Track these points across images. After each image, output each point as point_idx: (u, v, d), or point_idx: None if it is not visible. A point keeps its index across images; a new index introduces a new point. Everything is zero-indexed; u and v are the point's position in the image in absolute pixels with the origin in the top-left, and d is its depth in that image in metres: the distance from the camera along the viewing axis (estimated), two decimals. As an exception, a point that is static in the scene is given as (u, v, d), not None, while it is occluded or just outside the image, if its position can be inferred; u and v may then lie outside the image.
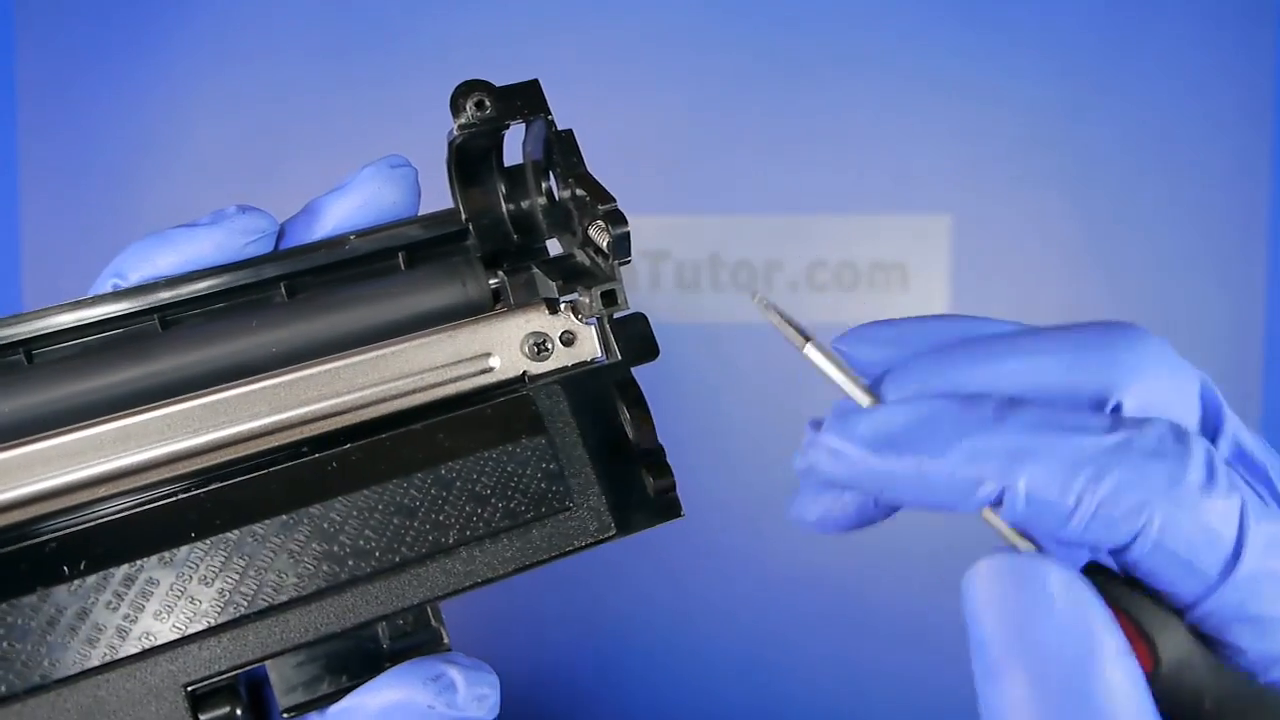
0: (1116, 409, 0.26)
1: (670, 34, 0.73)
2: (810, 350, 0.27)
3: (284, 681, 0.30)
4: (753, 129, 0.74)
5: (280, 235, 0.34)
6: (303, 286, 0.34)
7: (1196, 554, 0.24)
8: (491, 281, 0.34)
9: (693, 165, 0.74)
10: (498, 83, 0.33)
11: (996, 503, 0.25)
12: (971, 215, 0.75)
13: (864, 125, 0.75)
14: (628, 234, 0.31)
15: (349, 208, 0.34)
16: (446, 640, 0.31)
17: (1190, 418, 0.27)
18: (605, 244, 0.31)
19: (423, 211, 0.35)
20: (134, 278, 0.32)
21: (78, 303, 0.32)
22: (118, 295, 0.32)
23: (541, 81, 0.34)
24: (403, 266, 0.34)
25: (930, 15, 0.74)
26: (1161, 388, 0.26)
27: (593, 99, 0.73)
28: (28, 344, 0.31)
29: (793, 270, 0.74)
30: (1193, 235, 0.76)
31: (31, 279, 0.69)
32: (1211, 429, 0.27)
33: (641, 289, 0.74)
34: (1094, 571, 0.26)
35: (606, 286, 0.31)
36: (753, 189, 0.74)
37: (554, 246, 0.37)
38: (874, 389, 0.27)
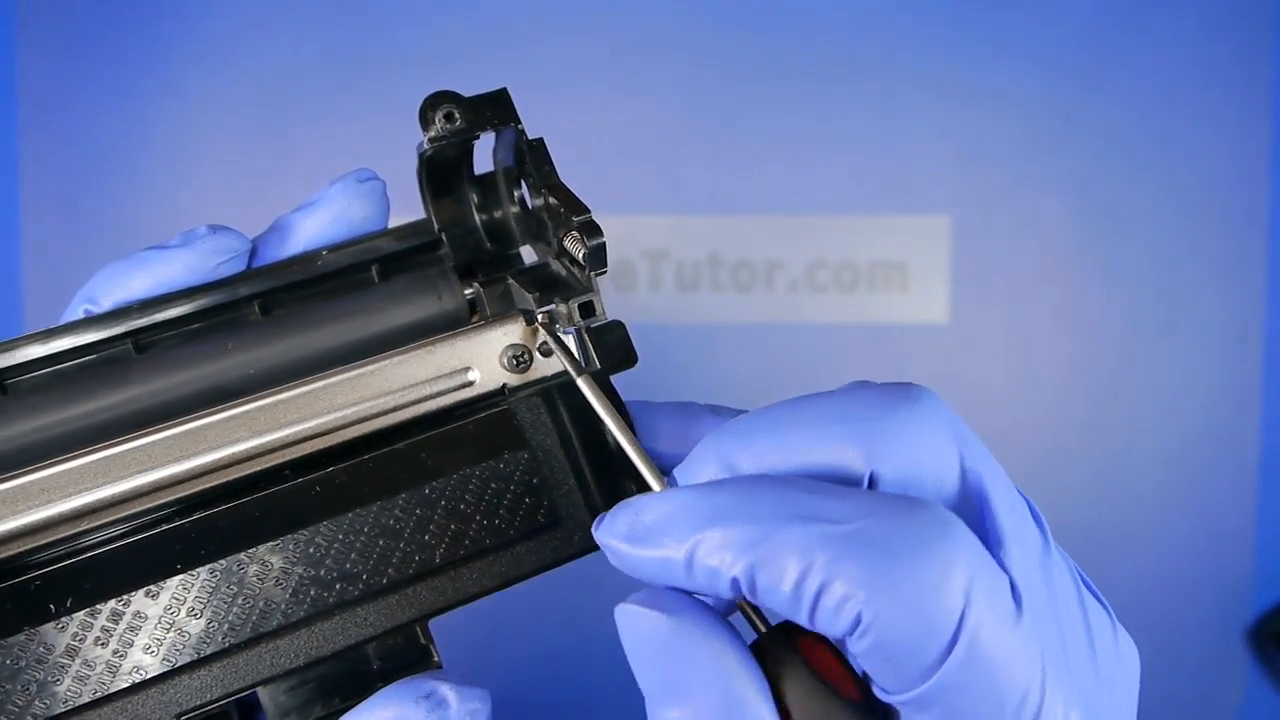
0: (874, 481, 0.26)
1: (670, 35, 0.73)
2: (583, 383, 0.30)
3: (276, 707, 0.30)
4: (753, 130, 0.74)
5: (252, 254, 0.33)
6: (277, 304, 0.34)
7: (907, 652, 0.24)
8: (467, 292, 0.34)
9: (693, 165, 0.74)
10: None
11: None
12: (971, 215, 0.75)
13: (864, 126, 0.75)
14: (603, 245, 0.31)
15: (319, 224, 0.33)
16: (436, 657, 0.31)
17: (949, 484, 0.27)
18: (581, 255, 0.31)
19: (401, 221, 0.35)
20: (106, 303, 0.32)
21: (50, 331, 0.31)
22: (90, 322, 0.32)
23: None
24: (376, 280, 0.34)
25: (930, 18, 0.74)
26: (919, 458, 0.26)
27: (593, 100, 0.73)
28: (0, 374, 0.31)
29: (793, 270, 0.74)
30: (1192, 235, 0.76)
31: (32, 279, 0.70)
32: (974, 495, 0.27)
33: (641, 289, 0.74)
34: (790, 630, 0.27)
35: (584, 298, 0.31)
36: (753, 189, 0.74)
37: (528, 252, 0.37)
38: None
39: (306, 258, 0.33)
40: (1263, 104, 0.75)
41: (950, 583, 0.24)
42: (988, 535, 0.27)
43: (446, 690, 0.29)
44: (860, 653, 0.25)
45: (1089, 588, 0.29)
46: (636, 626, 0.27)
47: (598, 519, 0.28)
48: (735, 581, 0.25)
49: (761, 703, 0.25)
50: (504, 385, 0.33)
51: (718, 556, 0.25)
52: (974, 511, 0.27)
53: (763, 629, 0.27)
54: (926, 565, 0.24)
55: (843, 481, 0.26)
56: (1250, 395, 0.75)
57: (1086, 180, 0.75)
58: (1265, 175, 0.76)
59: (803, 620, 0.25)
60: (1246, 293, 0.76)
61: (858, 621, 0.24)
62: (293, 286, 0.33)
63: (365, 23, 0.71)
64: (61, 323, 0.32)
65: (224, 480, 0.30)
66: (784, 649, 0.26)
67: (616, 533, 0.27)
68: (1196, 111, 0.75)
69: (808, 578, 0.24)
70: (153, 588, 0.29)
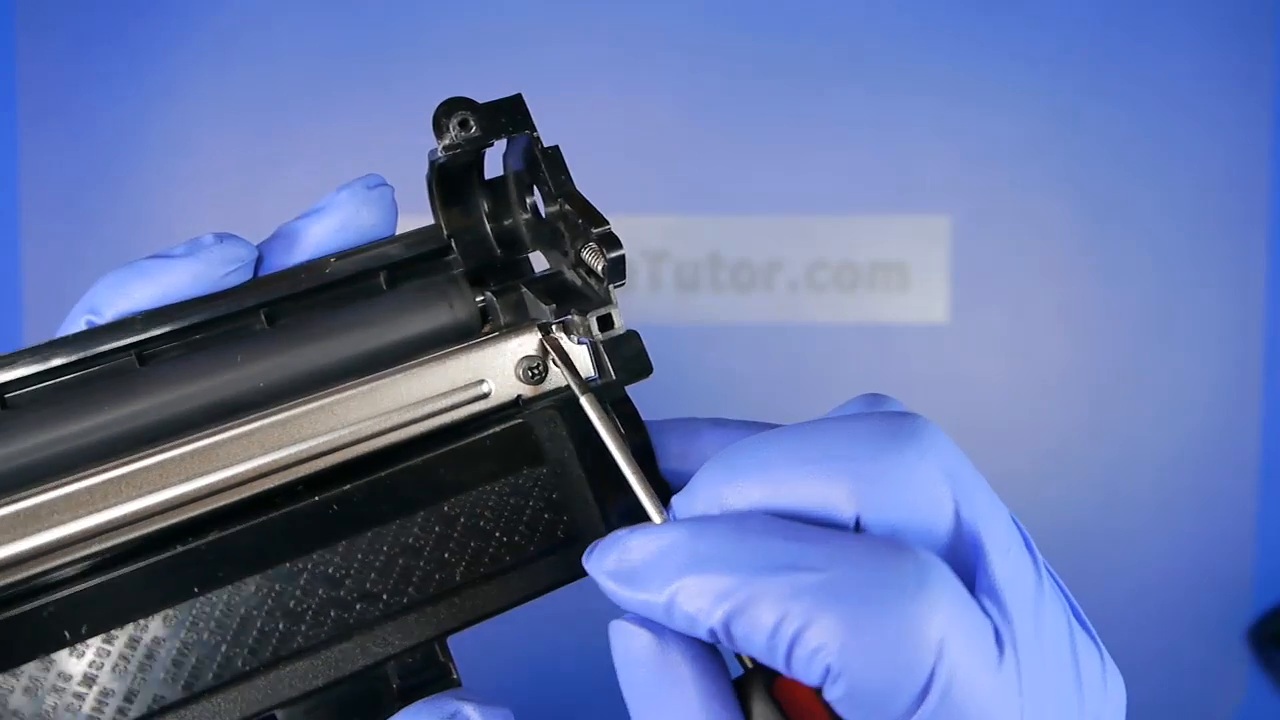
0: (861, 525, 0.26)
1: (671, 35, 0.73)
2: (587, 402, 0.30)
3: None
4: (753, 129, 0.74)
5: (258, 261, 0.32)
6: (283, 313, 0.33)
7: (879, 701, 0.24)
8: (478, 300, 0.34)
9: (693, 165, 0.74)
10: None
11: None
12: (971, 215, 0.75)
13: (865, 126, 0.75)
14: (623, 257, 0.30)
15: (327, 230, 0.33)
16: (455, 675, 0.31)
17: (940, 529, 0.26)
18: (600, 268, 0.31)
19: (408, 227, 0.34)
20: (109, 313, 0.31)
21: (51, 344, 0.30)
22: (92, 333, 0.31)
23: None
24: (385, 287, 0.34)
25: (930, 18, 0.74)
26: (909, 501, 0.26)
27: (594, 100, 0.73)
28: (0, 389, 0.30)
29: (793, 270, 0.74)
30: (1192, 235, 0.76)
31: (32, 280, 0.69)
32: (967, 541, 0.27)
33: (641, 289, 0.74)
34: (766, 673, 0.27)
35: (602, 311, 0.31)
36: (753, 189, 0.74)
37: (537, 257, 0.36)
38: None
39: (314, 265, 0.33)
40: (1263, 104, 0.75)
41: (924, 632, 0.24)
42: (978, 582, 0.26)
43: (470, 711, 0.28)
44: (834, 700, 0.25)
45: (1079, 620, 0.29)
46: (628, 644, 0.27)
47: (590, 547, 0.28)
48: (713, 630, 0.25)
49: None
50: (519, 397, 0.32)
51: (695, 604, 0.25)
52: (966, 558, 0.27)
53: (748, 664, 0.27)
54: (900, 615, 0.24)
55: (830, 523, 0.26)
56: (1250, 395, 0.75)
57: (1086, 180, 0.75)
58: (1265, 176, 0.76)
59: (780, 668, 0.25)
60: (1246, 293, 0.76)
61: (829, 670, 0.24)
62: (300, 295, 0.33)
63: (368, 27, 0.71)
64: (62, 334, 0.31)
65: (238, 498, 0.30)
66: (759, 686, 0.26)
67: (604, 568, 0.27)
68: (1196, 112, 0.75)
69: (781, 628, 0.24)
70: (169, 612, 0.28)
